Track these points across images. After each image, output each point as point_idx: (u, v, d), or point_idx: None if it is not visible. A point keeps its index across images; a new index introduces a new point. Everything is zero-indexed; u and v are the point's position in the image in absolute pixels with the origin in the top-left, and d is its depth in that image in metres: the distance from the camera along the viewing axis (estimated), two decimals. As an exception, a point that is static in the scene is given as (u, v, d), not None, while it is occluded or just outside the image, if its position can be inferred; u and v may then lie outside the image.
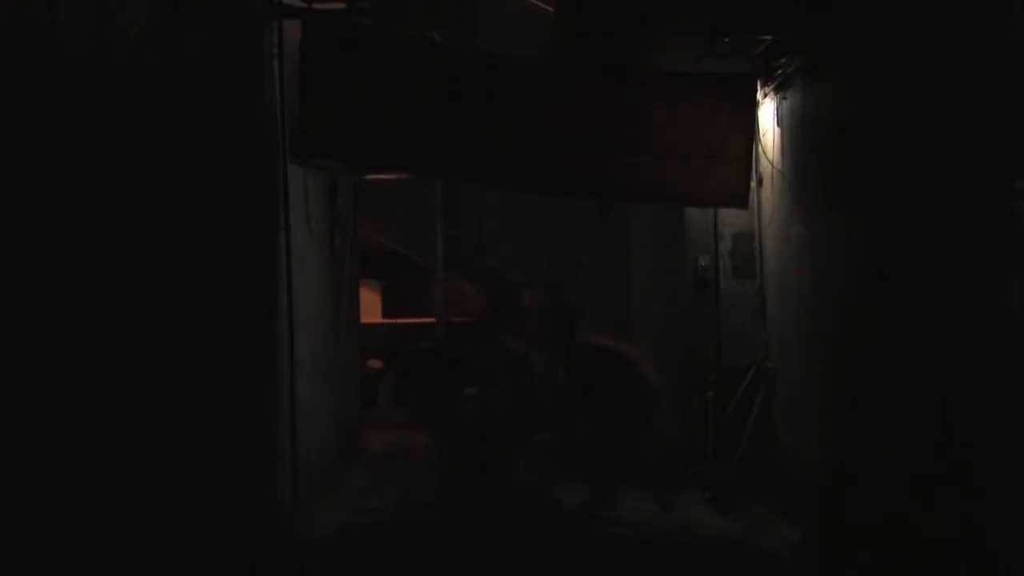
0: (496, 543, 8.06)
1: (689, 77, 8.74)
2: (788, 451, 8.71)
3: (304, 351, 8.13)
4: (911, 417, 6.18)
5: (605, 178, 8.31)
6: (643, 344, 13.15)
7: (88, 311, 3.88)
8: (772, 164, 8.87)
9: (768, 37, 8.34)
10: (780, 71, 8.57)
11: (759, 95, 8.72)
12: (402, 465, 11.26)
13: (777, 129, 8.82)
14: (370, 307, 18.45)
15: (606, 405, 8.91)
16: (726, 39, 8.42)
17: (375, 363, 16.38)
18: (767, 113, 8.90)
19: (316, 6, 8.29)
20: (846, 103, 7.36)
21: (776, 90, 8.75)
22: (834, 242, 7.53)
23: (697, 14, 9.08)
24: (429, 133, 7.83)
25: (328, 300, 10.03)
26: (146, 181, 4.57)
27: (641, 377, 8.96)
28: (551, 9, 13.40)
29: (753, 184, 8.73)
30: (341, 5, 8.53)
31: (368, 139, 7.73)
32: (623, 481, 8.98)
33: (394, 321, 19.07)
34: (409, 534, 8.32)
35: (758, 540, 7.89)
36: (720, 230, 9.83)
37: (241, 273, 6.51)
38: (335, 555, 7.69)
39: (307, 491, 7.97)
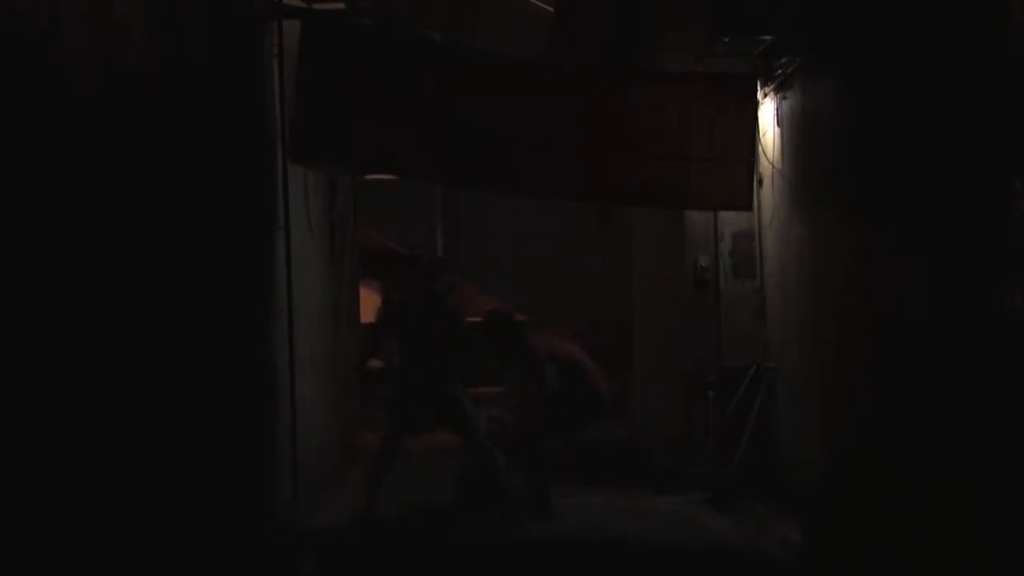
0: (493, 546, 8.07)
1: (689, 77, 8.73)
2: (788, 451, 8.71)
3: (304, 351, 8.13)
4: (911, 417, 6.18)
5: (605, 182, 8.30)
6: (643, 344, 13.18)
7: (86, 311, 3.88)
8: (772, 164, 8.87)
9: (768, 37, 8.34)
10: (780, 71, 8.57)
11: (759, 95, 8.72)
12: (401, 465, 11.25)
13: (777, 129, 8.81)
14: (370, 307, 18.41)
15: (554, 411, 8.91)
16: (726, 39, 8.41)
17: (375, 363, 16.35)
18: (767, 113, 8.90)
19: (316, 6, 8.28)
20: (846, 103, 7.36)
21: (776, 90, 8.75)
22: (834, 242, 7.53)
23: (697, 14, 9.07)
24: (428, 134, 7.81)
25: (328, 300, 10.03)
26: (145, 181, 4.57)
27: (594, 389, 8.99)
28: (551, 9, 13.38)
29: (753, 184, 8.73)
30: (341, 5, 8.53)
31: (367, 140, 7.71)
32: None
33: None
34: (407, 535, 8.32)
35: (757, 540, 7.88)
36: (720, 230, 9.84)
37: (240, 273, 6.51)
38: (334, 555, 7.69)
39: (307, 491, 7.97)
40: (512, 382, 9.68)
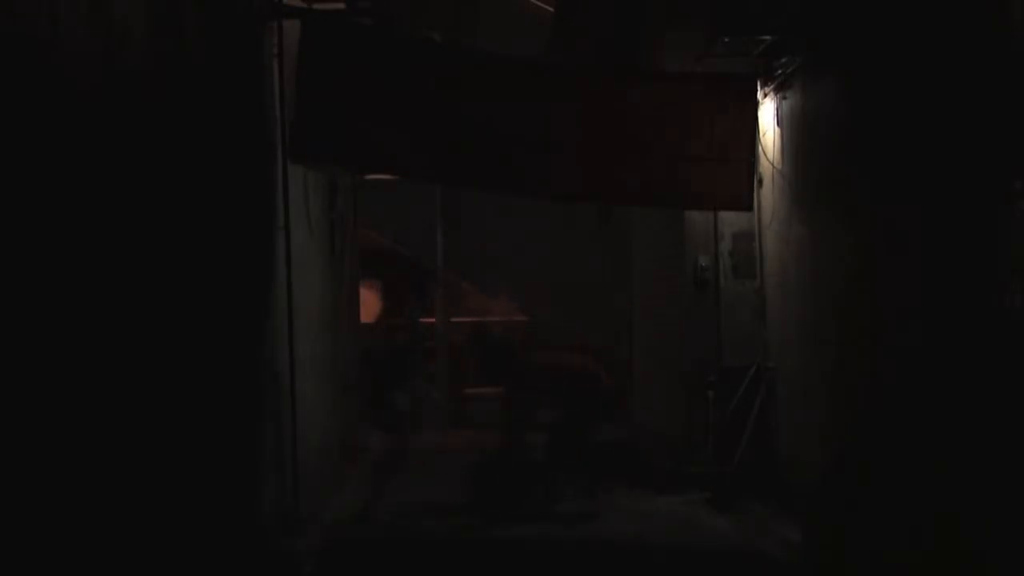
0: (493, 546, 8.06)
1: (689, 77, 8.73)
2: (788, 451, 8.71)
3: (304, 351, 8.13)
4: (911, 417, 6.18)
5: (605, 182, 8.29)
6: (643, 344, 13.18)
7: (86, 310, 3.87)
8: (772, 164, 8.87)
9: (768, 37, 8.33)
10: (780, 71, 8.57)
11: (759, 95, 8.71)
12: (401, 464, 11.26)
13: (777, 129, 8.81)
14: (370, 307, 18.42)
15: (566, 411, 9.05)
16: (726, 39, 8.41)
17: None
18: (767, 113, 8.90)
19: (316, 6, 8.29)
20: (846, 103, 7.36)
21: (776, 90, 8.75)
22: (834, 242, 7.53)
23: (697, 14, 9.07)
24: (428, 135, 7.81)
25: (328, 300, 10.03)
26: (145, 181, 4.57)
27: (607, 390, 9.16)
28: (551, 9, 13.37)
29: (753, 184, 8.72)
30: (341, 5, 8.53)
31: (367, 140, 7.71)
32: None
33: (394, 321, 19.02)
34: (401, 539, 8.31)
35: (757, 540, 7.88)
36: (720, 230, 9.84)
37: (241, 273, 6.51)
38: (334, 555, 7.68)
39: (307, 491, 7.97)
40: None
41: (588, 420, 9.21)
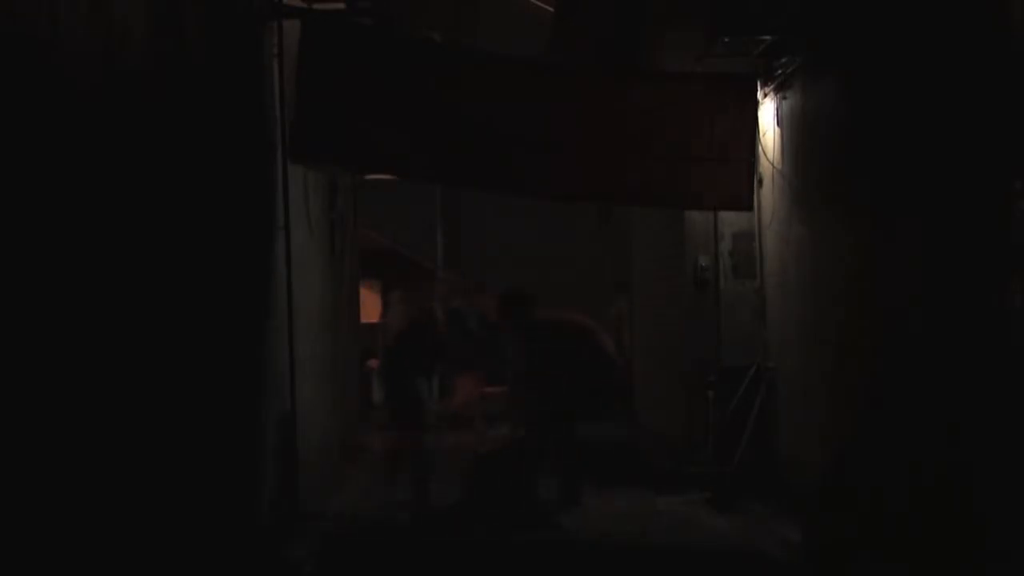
0: (492, 547, 8.06)
1: (689, 77, 8.74)
2: (788, 451, 8.71)
3: (304, 351, 8.13)
4: (912, 417, 6.18)
5: (605, 182, 8.29)
6: (643, 344, 13.19)
7: (86, 311, 3.87)
8: (772, 164, 8.87)
9: (768, 37, 8.34)
10: (780, 71, 8.57)
11: (759, 95, 8.72)
12: (401, 464, 11.26)
13: (777, 129, 8.81)
14: (370, 307, 18.42)
15: (566, 378, 8.91)
16: (726, 39, 8.41)
17: (375, 363, 16.38)
18: (767, 113, 8.90)
19: (316, 6, 8.29)
20: (846, 103, 7.36)
21: (776, 90, 8.74)
22: (834, 242, 7.53)
23: (697, 14, 9.08)
24: (428, 135, 7.81)
25: (328, 300, 10.03)
26: (145, 181, 4.57)
27: (601, 348, 9.06)
28: (551, 9, 13.37)
29: (753, 184, 8.72)
30: (341, 5, 8.54)
31: (367, 140, 7.71)
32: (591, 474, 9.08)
33: (394, 321, 18.98)
34: (401, 540, 8.30)
35: (757, 540, 7.88)
36: (720, 230, 9.84)
37: (240, 273, 6.51)
38: (334, 555, 7.69)
39: (307, 491, 7.97)
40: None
41: (586, 397, 9.11)
